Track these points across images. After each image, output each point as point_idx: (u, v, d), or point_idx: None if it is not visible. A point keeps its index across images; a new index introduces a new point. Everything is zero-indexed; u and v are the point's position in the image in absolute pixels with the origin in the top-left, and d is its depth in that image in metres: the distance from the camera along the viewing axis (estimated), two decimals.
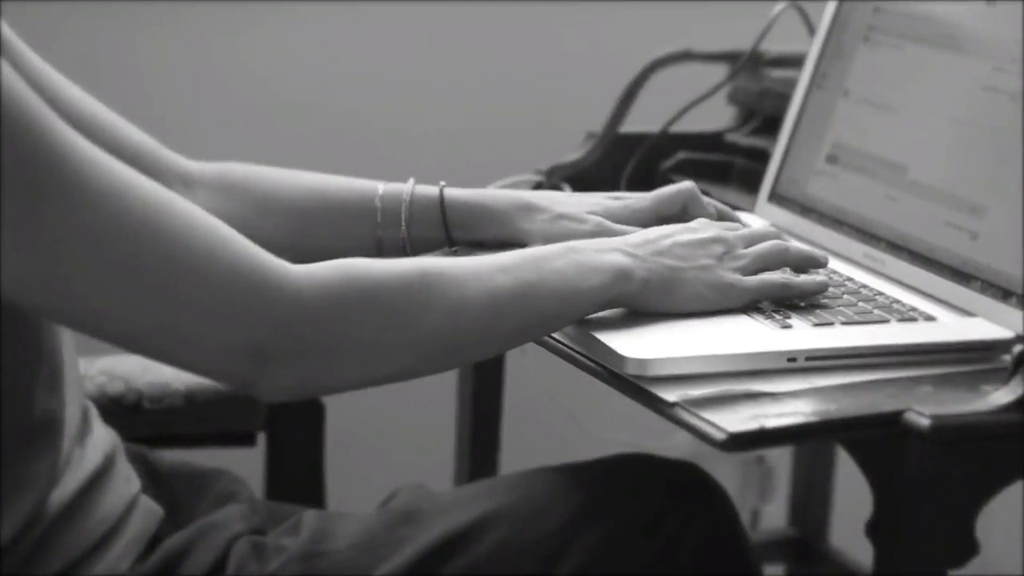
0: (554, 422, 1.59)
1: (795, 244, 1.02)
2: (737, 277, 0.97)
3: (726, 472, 1.91)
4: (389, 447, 1.85)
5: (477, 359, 0.94)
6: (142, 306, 0.77)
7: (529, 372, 1.37)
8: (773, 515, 1.93)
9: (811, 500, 1.72)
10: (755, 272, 0.98)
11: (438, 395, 1.49)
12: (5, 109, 0.73)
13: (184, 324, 0.79)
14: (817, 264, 1.02)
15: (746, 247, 0.99)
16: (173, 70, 1.75)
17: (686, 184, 1.09)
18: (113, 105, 1.06)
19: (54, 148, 0.75)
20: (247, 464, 1.21)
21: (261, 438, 1.26)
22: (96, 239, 0.76)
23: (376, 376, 0.86)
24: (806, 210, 1.21)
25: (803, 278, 0.99)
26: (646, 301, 0.94)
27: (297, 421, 1.25)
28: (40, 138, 0.74)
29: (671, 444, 1.77)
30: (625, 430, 1.60)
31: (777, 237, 1.02)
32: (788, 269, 1.01)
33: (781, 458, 1.86)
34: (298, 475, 1.28)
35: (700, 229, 0.99)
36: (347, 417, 1.38)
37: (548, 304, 0.90)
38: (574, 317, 0.93)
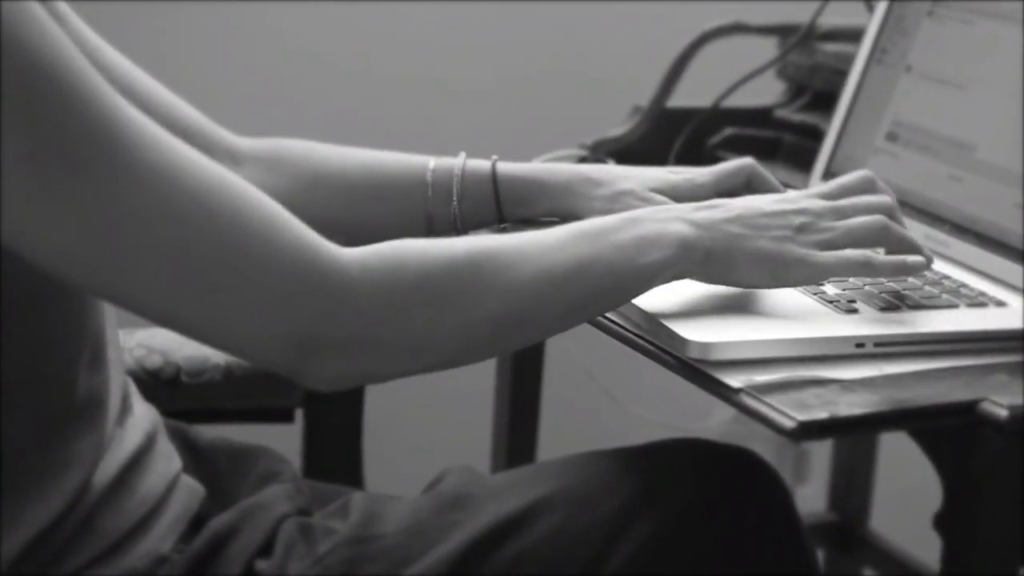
0: (592, 402, 1.57)
1: (897, 226, 0.93)
2: (808, 252, 0.89)
3: (760, 454, 1.90)
4: (427, 426, 1.83)
5: (533, 341, 0.91)
6: (190, 288, 0.75)
7: (568, 351, 1.35)
8: (808, 497, 1.90)
9: (852, 484, 1.69)
10: (843, 247, 0.91)
11: (476, 374, 1.46)
12: (63, 80, 0.71)
13: (232, 308, 0.76)
14: (918, 251, 0.93)
15: (839, 219, 0.91)
16: (174, 66, 1.72)
17: (747, 160, 1.05)
18: None
19: (110, 122, 0.73)
20: (282, 441, 1.19)
21: (299, 415, 1.24)
22: (148, 217, 0.73)
23: (425, 365, 0.83)
24: None
25: (886, 259, 0.91)
26: (709, 274, 0.90)
27: (336, 398, 1.23)
28: (97, 111, 0.72)
29: (707, 426, 1.76)
30: (662, 411, 1.58)
31: (887, 210, 0.93)
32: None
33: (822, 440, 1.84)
34: (336, 453, 1.25)
35: (783, 200, 0.92)
36: (384, 397, 1.35)
37: (605, 280, 0.86)
38: (635, 293, 0.89)
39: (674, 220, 0.88)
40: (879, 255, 0.92)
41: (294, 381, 0.81)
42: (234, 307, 0.76)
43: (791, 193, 0.95)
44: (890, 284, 0.97)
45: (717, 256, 0.89)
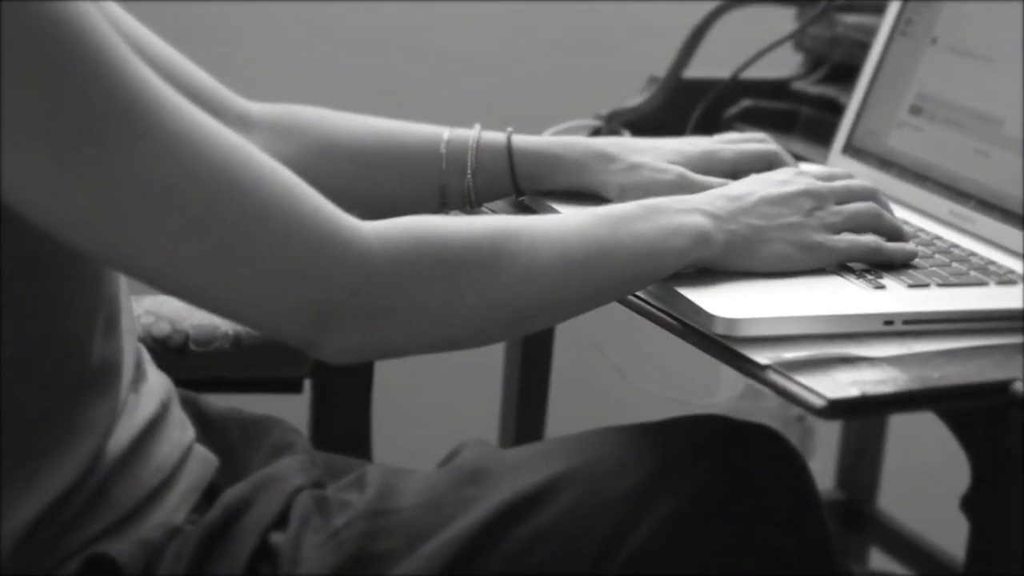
0: (600, 376, 1.55)
1: (889, 214, 0.98)
2: (825, 236, 0.93)
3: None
4: (435, 399, 1.82)
5: (547, 325, 0.91)
6: (207, 259, 0.74)
7: (577, 326, 1.34)
8: (813, 475, 1.90)
9: (860, 462, 1.68)
10: (845, 231, 0.94)
11: (486, 348, 1.45)
12: (85, 43, 0.69)
13: (249, 279, 0.75)
14: (905, 239, 0.98)
15: (838, 203, 0.95)
16: (185, 31, 1.70)
17: (771, 147, 1.05)
18: None
19: (133, 89, 0.71)
20: (290, 412, 1.18)
21: (307, 385, 1.22)
22: (166, 187, 0.72)
23: (442, 341, 0.83)
24: (885, 163, 1.16)
25: (894, 245, 0.96)
26: (728, 263, 0.91)
27: (345, 370, 1.21)
28: (119, 77, 0.71)
29: (714, 401, 1.74)
30: (670, 386, 1.56)
31: (872, 196, 0.97)
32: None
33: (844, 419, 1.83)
34: (344, 424, 1.24)
35: (790, 181, 0.94)
36: (393, 370, 1.34)
37: (624, 267, 0.87)
38: (650, 280, 0.89)
39: (693, 211, 0.89)
40: (884, 242, 0.95)
41: (309, 354, 0.80)
42: (251, 278, 0.75)
43: (786, 173, 0.97)
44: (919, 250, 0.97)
45: (736, 247, 0.90)
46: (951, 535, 1.06)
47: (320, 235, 0.76)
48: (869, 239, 0.94)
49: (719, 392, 1.78)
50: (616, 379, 1.56)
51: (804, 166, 1.04)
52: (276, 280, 0.76)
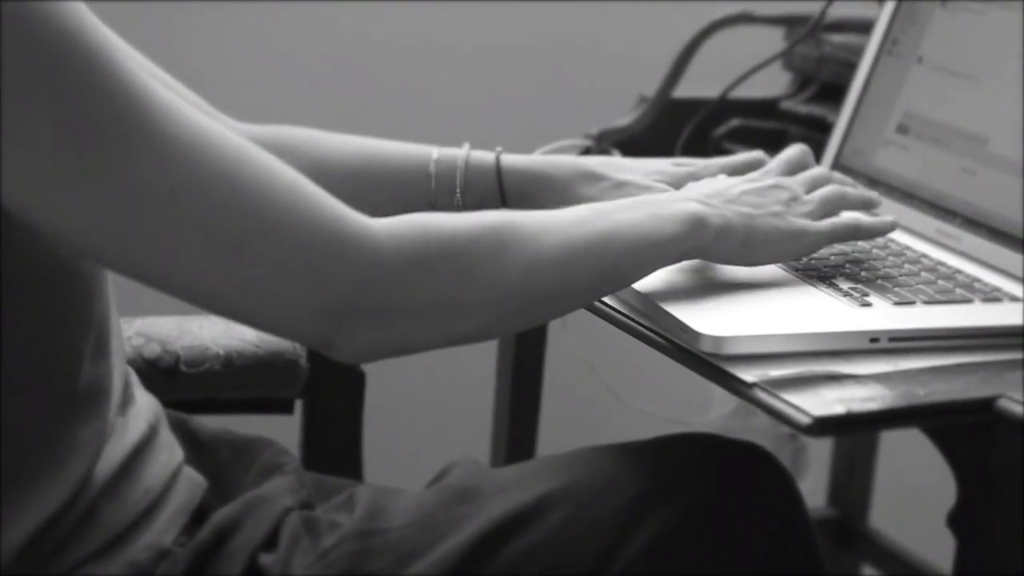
0: (592, 395, 1.56)
1: (850, 188, 1.01)
2: (808, 223, 0.95)
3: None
4: (427, 418, 1.82)
5: (554, 315, 0.92)
6: (219, 262, 0.74)
7: (569, 344, 1.34)
8: (805, 492, 1.89)
9: (852, 479, 1.68)
10: (821, 218, 0.97)
11: (477, 365, 1.46)
12: (88, 51, 0.70)
13: (263, 282, 0.76)
14: (873, 205, 1.01)
15: (807, 192, 0.98)
16: (175, 64, 1.71)
17: (756, 154, 1.06)
18: None
19: (136, 95, 0.72)
20: (281, 432, 1.18)
21: (298, 406, 1.22)
22: (175, 190, 0.72)
23: (455, 335, 0.83)
24: (873, 182, 1.17)
25: (873, 219, 0.98)
26: (722, 251, 0.92)
27: (336, 390, 1.21)
28: (122, 84, 0.71)
29: (706, 420, 1.75)
30: (662, 404, 1.57)
31: (831, 180, 1.01)
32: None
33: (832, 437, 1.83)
34: (335, 444, 1.24)
35: (760, 178, 0.98)
36: (384, 388, 1.34)
37: (624, 255, 0.88)
38: (652, 268, 0.90)
39: (684, 199, 0.92)
40: (863, 217, 0.99)
41: (326, 354, 0.80)
42: (263, 279, 0.76)
43: (754, 173, 1.01)
44: (904, 268, 0.99)
45: (730, 233, 0.91)
46: (942, 552, 1.06)
47: (330, 234, 0.77)
48: (848, 218, 0.97)
49: (711, 410, 1.78)
50: (608, 397, 1.57)
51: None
52: (288, 281, 0.76)
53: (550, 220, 0.86)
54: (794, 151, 1.04)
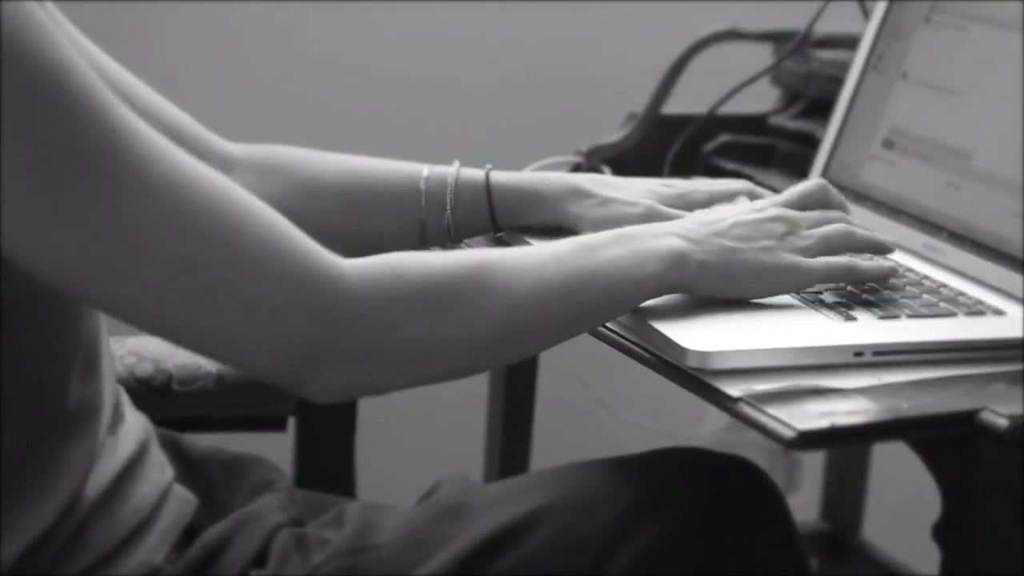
0: (585, 410, 1.56)
1: (861, 229, 0.98)
2: (799, 259, 0.93)
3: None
4: (420, 435, 1.82)
5: (531, 353, 0.92)
6: (193, 300, 0.75)
7: (561, 359, 1.35)
8: (798, 507, 1.90)
9: (845, 493, 1.69)
10: (819, 255, 0.94)
11: (470, 382, 1.45)
12: (67, 87, 0.70)
13: (233, 321, 0.76)
14: (884, 251, 0.98)
15: (810, 227, 0.95)
16: (174, 66, 1.72)
17: (746, 185, 1.06)
18: None
19: (115, 131, 0.72)
20: (274, 450, 1.19)
21: (291, 424, 1.23)
22: (152, 228, 0.73)
23: (427, 376, 0.83)
24: (860, 197, 1.18)
25: (871, 263, 0.96)
26: (704, 286, 0.91)
27: (328, 407, 1.21)
28: (101, 120, 0.72)
29: (700, 434, 1.75)
30: (656, 419, 1.57)
31: (843, 220, 0.98)
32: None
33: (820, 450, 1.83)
34: (328, 462, 1.24)
35: (761, 208, 0.96)
36: (377, 405, 1.35)
37: (602, 294, 0.87)
38: (630, 306, 0.90)
39: (667, 235, 0.90)
40: (861, 259, 0.96)
41: (296, 394, 0.80)
42: (235, 319, 0.76)
43: (759, 203, 0.98)
44: (886, 291, 0.97)
45: (712, 268, 0.90)
46: (933, 564, 1.07)
47: (302, 275, 0.77)
48: (843, 259, 0.94)
49: (705, 424, 1.79)
50: (602, 412, 1.57)
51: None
52: (259, 321, 0.76)
53: (527, 259, 0.86)
54: (810, 184, 0.99)
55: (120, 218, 0.72)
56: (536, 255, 0.86)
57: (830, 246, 0.95)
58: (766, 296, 0.94)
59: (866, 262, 0.96)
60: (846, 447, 1.64)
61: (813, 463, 1.82)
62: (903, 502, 1.79)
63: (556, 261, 0.86)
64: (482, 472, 1.42)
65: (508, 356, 0.90)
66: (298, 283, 0.77)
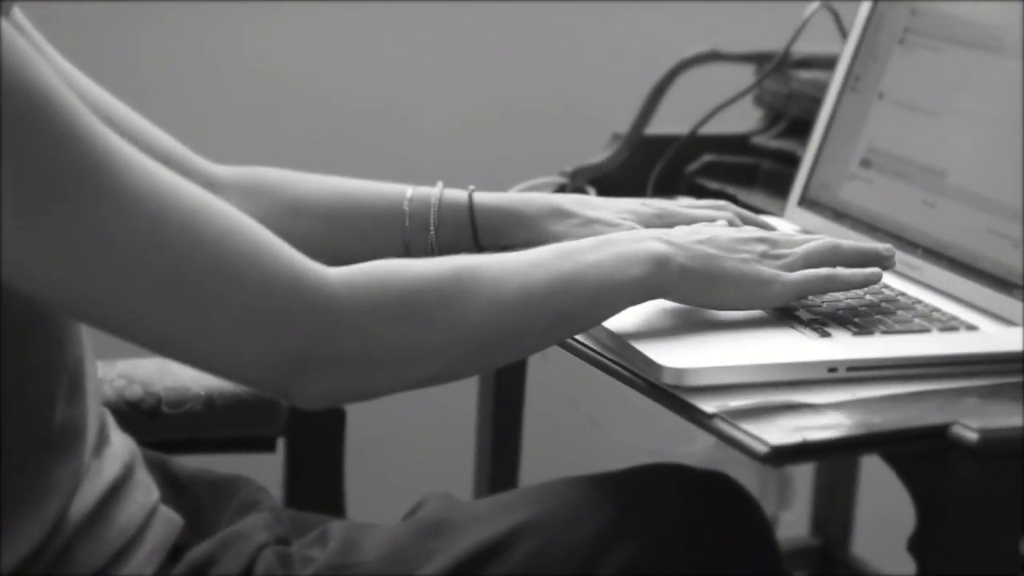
0: (575, 428, 1.57)
1: (848, 242, 0.98)
2: (779, 272, 0.93)
3: (743, 479, 1.90)
4: (409, 454, 1.83)
5: (516, 357, 0.93)
6: (179, 312, 0.76)
7: (550, 377, 1.36)
8: (791, 522, 1.91)
9: (834, 508, 1.70)
10: (801, 269, 0.95)
11: (458, 401, 1.48)
12: (46, 106, 0.71)
13: (221, 331, 0.77)
14: (877, 260, 0.97)
15: (793, 246, 0.96)
16: (173, 69, 1.73)
17: (728, 208, 1.07)
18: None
19: (95, 149, 0.73)
20: (266, 471, 1.20)
21: (281, 444, 1.24)
22: (136, 243, 0.74)
23: (413, 380, 0.84)
24: (839, 215, 1.19)
25: (850, 270, 0.95)
26: (686, 292, 0.91)
27: (317, 427, 1.23)
28: (81, 138, 0.73)
29: (691, 451, 1.76)
30: (646, 436, 1.58)
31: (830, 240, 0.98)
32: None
33: (801, 465, 1.84)
34: (318, 482, 1.26)
35: (744, 229, 0.97)
36: (366, 424, 1.36)
37: (585, 297, 0.88)
38: (614, 310, 0.91)
39: (650, 239, 0.91)
40: (841, 269, 0.95)
41: (284, 402, 0.82)
42: (220, 329, 0.77)
43: (746, 228, 0.99)
44: (865, 299, 0.99)
45: (693, 273, 0.91)
46: None
47: (286, 284, 0.78)
48: (822, 269, 0.94)
49: (696, 442, 1.80)
50: (592, 430, 1.58)
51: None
52: (245, 331, 0.78)
53: (510, 263, 0.87)
54: (822, 243, 0.97)
55: (103, 234, 0.73)
56: (519, 260, 0.87)
57: (811, 261, 0.95)
58: (746, 308, 0.94)
59: (846, 270, 0.95)
60: (818, 461, 1.65)
61: (807, 480, 1.83)
62: (891, 517, 1.80)
63: (538, 265, 0.87)
64: (471, 490, 1.43)
65: (493, 360, 0.91)
66: (283, 292, 0.78)
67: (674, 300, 0.93)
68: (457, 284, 0.84)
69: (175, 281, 0.75)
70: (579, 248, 0.89)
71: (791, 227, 1.22)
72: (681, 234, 0.93)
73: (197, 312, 0.76)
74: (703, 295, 0.92)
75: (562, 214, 1.05)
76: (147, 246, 0.74)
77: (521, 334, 0.87)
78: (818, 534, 1.73)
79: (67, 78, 0.96)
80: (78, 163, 0.73)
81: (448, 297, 0.83)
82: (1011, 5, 1.09)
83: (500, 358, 0.91)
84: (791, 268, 0.94)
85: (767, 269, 0.93)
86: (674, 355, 0.89)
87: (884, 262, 0.97)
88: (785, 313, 0.96)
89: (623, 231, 1.02)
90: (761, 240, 0.95)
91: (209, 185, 1.04)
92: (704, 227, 0.97)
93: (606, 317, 0.91)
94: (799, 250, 0.95)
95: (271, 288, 0.78)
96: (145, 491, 0.93)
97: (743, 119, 1.44)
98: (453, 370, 0.85)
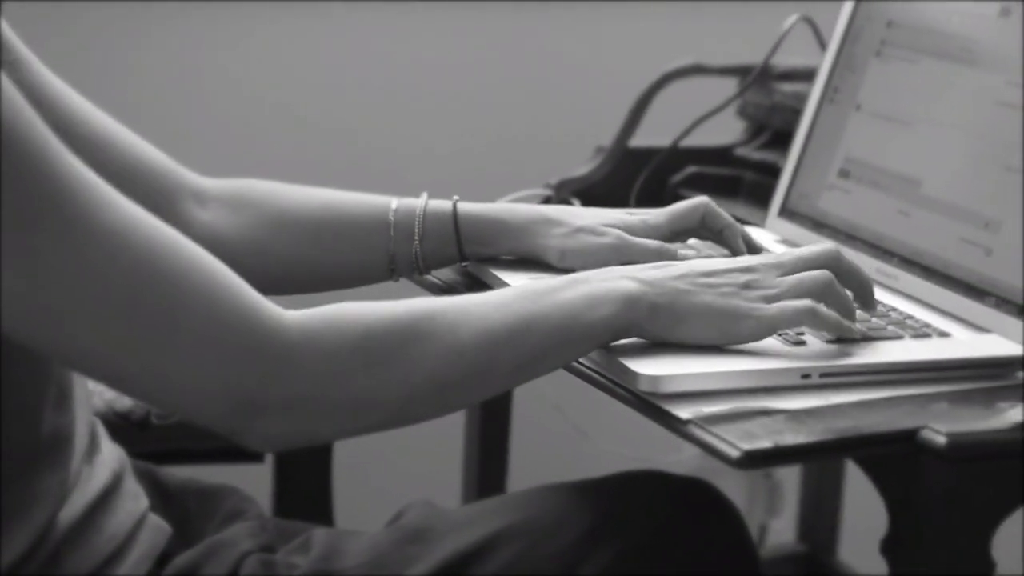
0: (562, 436, 1.59)
1: (841, 288, 0.93)
2: (754, 306, 0.90)
3: (733, 487, 1.91)
4: (397, 463, 1.84)
5: (481, 398, 0.91)
6: (133, 349, 0.76)
7: (537, 386, 1.37)
8: (780, 530, 1.92)
9: (820, 515, 1.72)
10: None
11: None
12: (7, 139, 0.71)
13: (172, 368, 0.77)
14: (862, 305, 0.96)
15: (784, 274, 0.92)
16: (169, 76, 1.75)
17: (702, 198, 1.08)
18: (109, 111, 1.05)
19: (60, 179, 0.73)
20: (254, 481, 1.21)
21: (269, 455, 1.26)
22: (95, 275, 0.74)
23: (368, 426, 0.84)
24: (818, 225, 1.21)
25: (830, 314, 0.92)
26: (654, 328, 0.90)
27: None
28: (47, 168, 0.72)
29: (679, 459, 1.77)
30: (633, 444, 1.59)
31: (834, 260, 0.94)
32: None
33: (789, 473, 1.86)
34: (306, 491, 1.27)
35: (732, 259, 0.94)
36: None
37: (549, 337, 0.86)
38: (581, 350, 0.89)
39: (620, 278, 0.89)
40: (824, 308, 0.92)
41: (235, 441, 0.81)
42: (175, 367, 0.77)
43: (745, 257, 0.96)
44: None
45: (663, 310, 0.89)
46: None
47: (241, 326, 0.78)
48: (803, 302, 0.91)
49: (684, 450, 1.81)
50: (580, 438, 1.59)
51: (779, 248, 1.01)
52: (198, 369, 0.77)
53: (471, 306, 0.85)
54: (821, 250, 0.94)
55: (60, 264, 0.73)
56: (480, 302, 0.86)
57: (800, 293, 0.91)
58: (722, 343, 0.91)
59: (828, 312, 0.92)
60: (790, 465, 1.66)
61: (793, 487, 1.84)
62: (875, 524, 1.81)
63: (501, 307, 0.85)
64: (460, 498, 1.44)
65: (455, 403, 0.89)
66: (238, 334, 0.77)
67: (645, 338, 0.91)
68: (415, 329, 0.82)
69: (129, 316, 0.75)
70: (546, 288, 0.87)
71: (772, 237, 1.23)
72: (655, 270, 0.91)
73: (150, 349, 0.76)
74: (673, 331, 0.90)
75: (548, 223, 1.06)
76: (106, 278, 0.74)
77: (483, 377, 0.85)
78: (804, 541, 1.75)
79: (45, 91, 0.95)
80: (44, 194, 0.72)
81: (406, 343, 0.82)
82: (985, 18, 1.11)
83: (462, 401, 0.90)
84: (776, 300, 0.91)
85: (744, 304, 0.90)
86: (650, 362, 0.90)
87: (868, 309, 0.96)
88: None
89: (610, 239, 1.04)
90: (745, 269, 0.92)
91: (196, 198, 1.05)
92: (693, 262, 0.93)
93: (575, 357, 0.90)
94: (789, 280, 0.92)
95: (225, 329, 0.77)
96: (134, 499, 0.94)
97: (726, 131, 1.46)
98: (410, 415, 0.84)
